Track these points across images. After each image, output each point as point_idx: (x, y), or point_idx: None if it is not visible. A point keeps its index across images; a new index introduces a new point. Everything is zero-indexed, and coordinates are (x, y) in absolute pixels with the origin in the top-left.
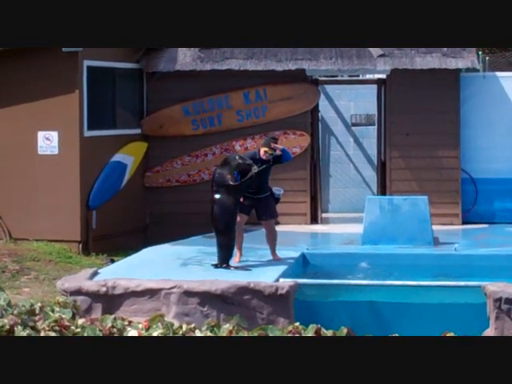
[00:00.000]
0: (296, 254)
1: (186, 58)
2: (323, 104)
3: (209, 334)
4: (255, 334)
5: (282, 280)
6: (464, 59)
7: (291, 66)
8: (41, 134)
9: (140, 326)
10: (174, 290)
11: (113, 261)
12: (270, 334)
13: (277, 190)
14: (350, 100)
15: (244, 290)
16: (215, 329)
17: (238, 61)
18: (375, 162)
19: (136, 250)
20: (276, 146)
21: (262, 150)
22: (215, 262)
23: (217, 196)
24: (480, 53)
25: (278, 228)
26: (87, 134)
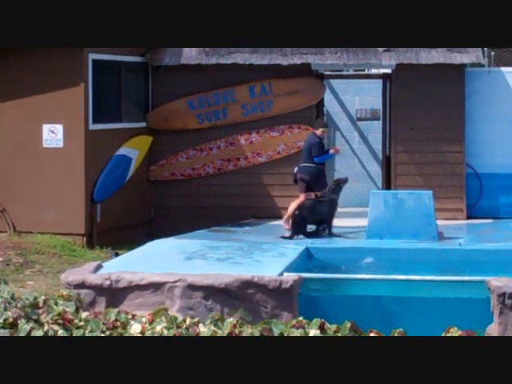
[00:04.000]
0: (300, 248)
1: (191, 52)
2: (328, 98)
3: (212, 327)
4: (259, 328)
5: (286, 274)
6: (469, 54)
7: (296, 60)
8: (46, 127)
9: (144, 319)
10: (178, 284)
11: (117, 254)
12: (274, 329)
13: None
14: (355, 94)
15: (248, 284)
16: (219, 323)
17: (243, 55)
18: (380, 157)
19: (140, 243)
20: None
21: (320, 130)
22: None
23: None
24: (485, 48)
25: (282, 222)
26: (92, 127)
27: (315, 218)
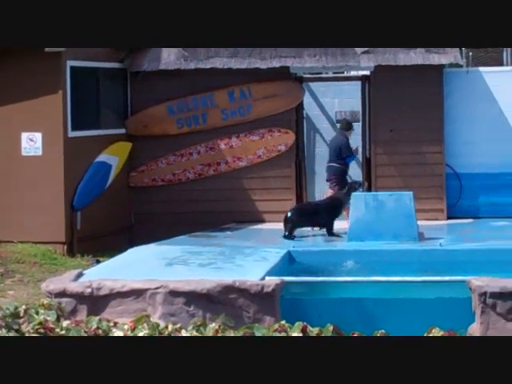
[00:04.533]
0: (282, 252)
1: (170, 57)
2: (308, 101)
3: (195, 333)
4: (241, 333)
5: (267, 278)
6: (447, 55)
7: (275, 63)
8: (24, 135)
9: (125, 326)
10: (159, 290)
11: (98, 261)
12: (256, 333)
13: None
14: (335, 97)
15: (230, 288)
16: (201, 328)
17: (222, 59)
18: (360, 159)
19: (121, 250)
20: None
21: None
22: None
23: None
24: (463, 48)
25: (264, 226)
26: (71, 134)
27: (308, 222)
